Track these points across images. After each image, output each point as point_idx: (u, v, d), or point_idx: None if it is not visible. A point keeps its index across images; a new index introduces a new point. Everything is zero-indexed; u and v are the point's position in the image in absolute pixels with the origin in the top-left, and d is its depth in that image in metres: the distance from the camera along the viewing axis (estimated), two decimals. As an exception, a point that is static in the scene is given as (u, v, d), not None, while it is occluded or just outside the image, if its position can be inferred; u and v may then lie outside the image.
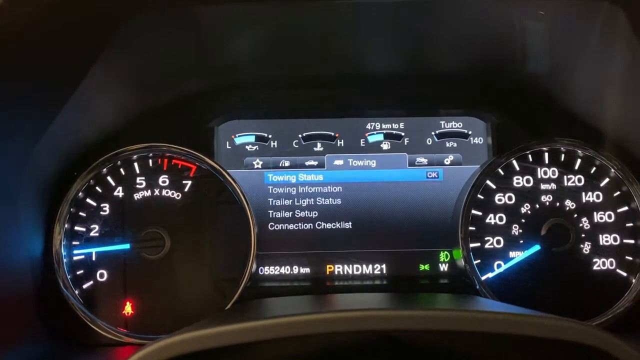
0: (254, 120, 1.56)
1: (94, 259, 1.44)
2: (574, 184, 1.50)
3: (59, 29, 1.01)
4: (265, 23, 1.24)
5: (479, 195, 1.48)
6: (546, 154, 1.51)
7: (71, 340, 1.40)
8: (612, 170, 1.48)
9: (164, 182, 1.47)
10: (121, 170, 1.48)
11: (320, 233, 1.53)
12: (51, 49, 1.05)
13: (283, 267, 1.52)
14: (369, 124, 1.57)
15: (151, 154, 1.48)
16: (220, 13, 1.19)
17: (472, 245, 1.47)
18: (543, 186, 1.49)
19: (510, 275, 1.46)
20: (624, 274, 1.46)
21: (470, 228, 1.47)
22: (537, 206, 1.48)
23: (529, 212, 1.48)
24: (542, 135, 1.51)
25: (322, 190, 1.55)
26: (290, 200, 1.54)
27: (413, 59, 1.50)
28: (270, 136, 1.56)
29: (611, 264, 1.47)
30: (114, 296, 1.43)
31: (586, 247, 1.47)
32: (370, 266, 1.52)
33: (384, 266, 1.52)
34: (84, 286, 1.43)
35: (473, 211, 1.48)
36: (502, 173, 1.50)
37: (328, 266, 1.52)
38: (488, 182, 1.49)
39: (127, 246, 1.44)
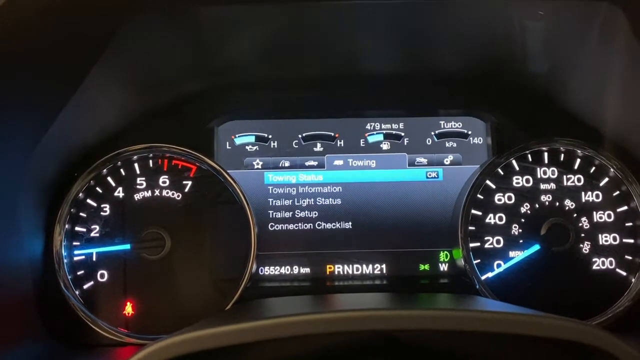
0: (254, 120, 1.57)
1: (94, 259, 1.44)
2: (573, 184, 1.50)
3: (59, 29, 1.01)
4: (265, 23, 1.24)
5: (478, 195, 1.49)
6: (546, 154, 1.51)
7: (72, 340, 1.40)
8: (612, 169, 1.48)
9: (164, 182, 1.48)
10: (121, 170, 1.48)
11: (320, 233, 1.54)
12: (52, 49, 1.05)
13: (283, 267, 1.52)
14: (368, 124, 1.58)
15: (151, 155, 1.48)
16: (220, 13, 1.19)
17: (471, 245, 1.47)
18: (543, 186, 1.50)
19: (510, 275, 1.46)
20: (624, 274, 1.46)
21: (470, 228, 1.47)
22: (537, 206, 1.49)
23: (528, 211, 1.48)
24: (541, 135, 1.51)
25: (322, 190, 1.55)
26: (290, 201, 1.54)
27: (413, 59, 1.50)
28: (270, 136, 1.56)
29: (611, 264, 1.47)
30: (114, 296, 1.43)
31: (586, 247, 1.47)
32: (370, 266, 1.53)
33: (384, 266, 1.53)
34: (85, 286, 1.43)
35: (473, 211, 1.48)
36: (502, 173, 1.50)
37: (328, 266, 1.52)
38: (488, 182, 1.49)
39: (127, 246, 1.44)
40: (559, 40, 1.29)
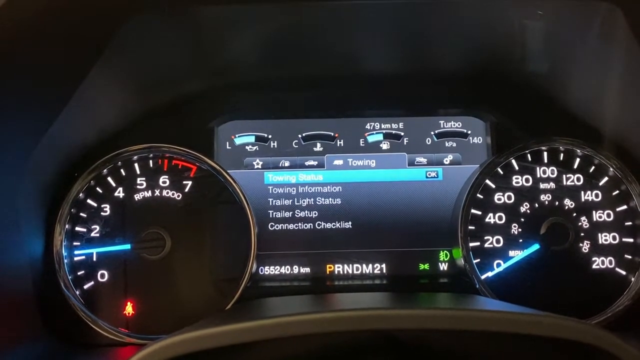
0: (254, 120, 1.57)
1: (94, 259, 1.44)
2: (573, 183, 1.50)
3: (59, 29, 1.01)
4: (265, 23, 1.24)
5: (478, 195, 1.49)
6: (545, 154, 1.51)
7: (72, 340, 1.40)
8: (611, 169, 1.49)
9: (164, 182, 1.48)
10: (122, 170, 1.48)
11: (320, 233, 1.54)
12: (51, 49, 1.05)
13: (283, 267, 1.52)
14: (368, 124, 1.58)
15: (151, 155, 1.48)
16: (220, 13, 1.19)
17: (471, 244, 1.47)
18: (542, 185, 1.50)
19: (509, 274, 1.47)
20: (623, 273, 1.47)
21: (470, 227, 1.47)
22: (537, 205, 1.49)
23: (528, 211, 1.49)
24: (541, 135, 1.51)
25: (321, 190, 1.55)
26: (290, 200, 1.54)
27: (412, 59, 1.50)
28: (270, 136, 1.56)
29: (610, 263, 1.47)
30: (114, 296, 1.43)
31: (585, 246, 1.47)
32: (370, 266, 1.53)
33: (383, 266, 1.53)
34: (85, 286, 1.43)
35: (472, 210, 1.48)
36: (502, 172, 1.50)
37: (328, 266, 1.52)
38: (487, 181, 1.49)
39: (127, 246, 1.44)
40: (558, 40, 1.29)
